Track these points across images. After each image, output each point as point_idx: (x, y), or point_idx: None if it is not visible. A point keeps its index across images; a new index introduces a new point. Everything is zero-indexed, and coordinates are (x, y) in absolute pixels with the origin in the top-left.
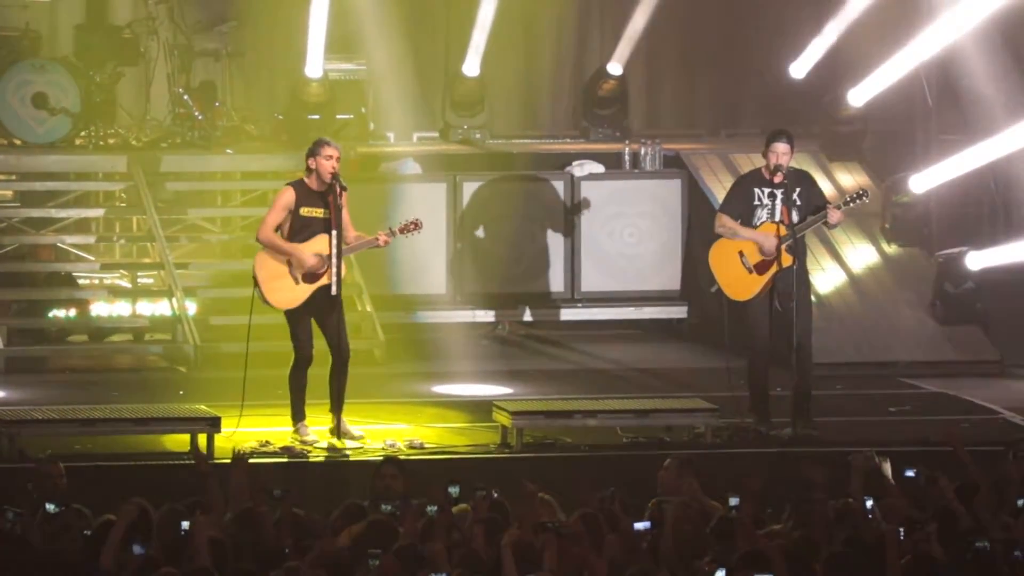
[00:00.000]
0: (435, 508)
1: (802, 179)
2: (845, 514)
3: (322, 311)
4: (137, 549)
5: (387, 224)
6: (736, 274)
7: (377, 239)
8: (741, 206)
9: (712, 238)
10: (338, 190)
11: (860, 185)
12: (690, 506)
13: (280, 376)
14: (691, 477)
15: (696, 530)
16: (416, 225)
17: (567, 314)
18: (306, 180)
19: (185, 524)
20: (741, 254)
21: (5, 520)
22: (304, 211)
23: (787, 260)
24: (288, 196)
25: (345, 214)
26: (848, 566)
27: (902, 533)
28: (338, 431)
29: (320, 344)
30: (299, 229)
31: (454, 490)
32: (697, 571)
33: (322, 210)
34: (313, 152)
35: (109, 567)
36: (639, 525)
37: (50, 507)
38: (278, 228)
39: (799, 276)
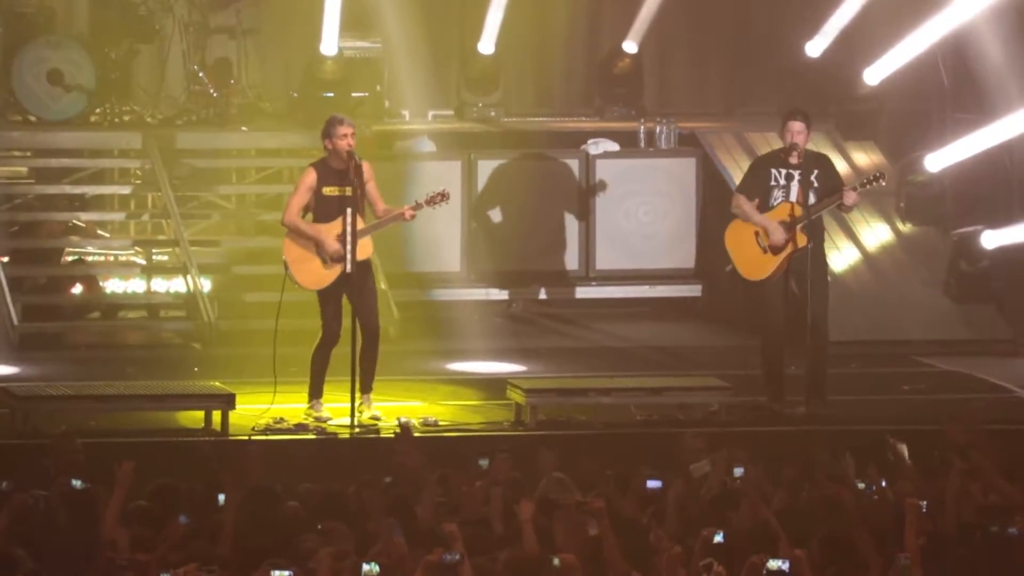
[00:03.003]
0: None
1: (820, 161)
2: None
3: (354, 289)
4: (182, 519)
5: (408, 200)
6: (751, 254)
7: (403, 213)
8: (758, 186)
9: (727, 217)
10: (353, 166)
11: (875, 164)
12: (692, 484)
13: (297, 354)
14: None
15: (699, 508)
16: (443, 196)
17: (581, 292)
18: (328, 159)
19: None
20: (757, 234)
21: (30, 499)
22: (326, 190)
23: (802, 240)
24: (311, 177)
25: (372, 188)
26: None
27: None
28: (353, 410)
29: (345, 323)
30: (323, 209)
31: (484, 462)
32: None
33: (343, 188)
34: (327, 134)
35: (113, 538)
36: (652, 483)
37: (76, 483)
38: (307, 211)
39: (815, 257)
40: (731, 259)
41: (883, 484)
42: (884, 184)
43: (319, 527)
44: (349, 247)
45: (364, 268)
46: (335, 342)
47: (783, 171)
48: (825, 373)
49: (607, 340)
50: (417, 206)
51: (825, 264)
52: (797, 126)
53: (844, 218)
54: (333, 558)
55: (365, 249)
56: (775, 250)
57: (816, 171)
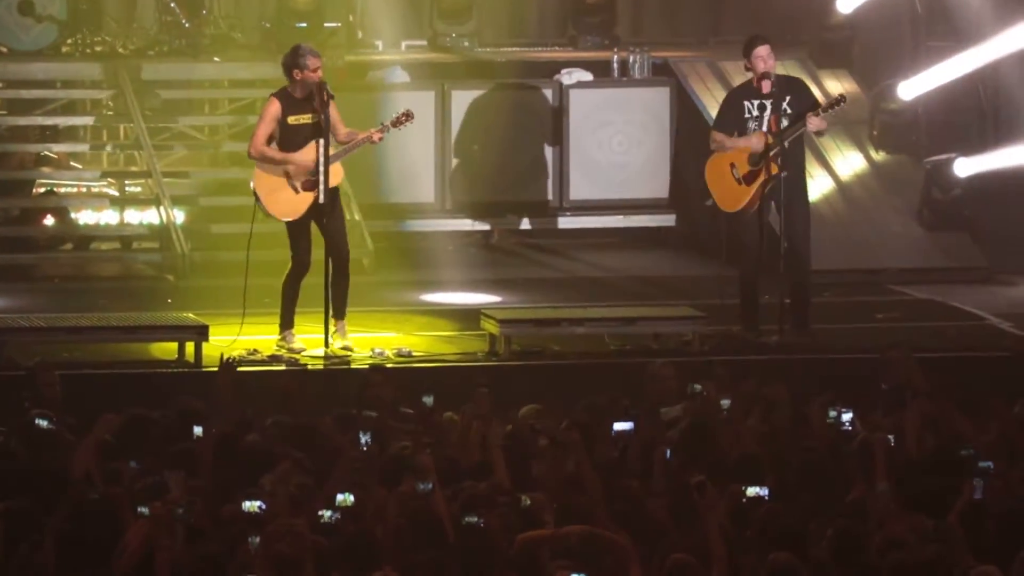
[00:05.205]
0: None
1: (793, 86)
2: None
3: (322, 217)
4: (132, 464)
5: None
6: (727, 186)
7: (371, 136)
8: (733, 121)
9: (702, 147)
10: (325, 96)
11: (848, 92)
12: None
13: (269, 285)
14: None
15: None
16: (408, 116)
17: (556, 223)
18: (289, 88)
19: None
20: (732, 166)
21: None
22: (292, 119)
23: (774, 169)
24: (275, 107)
25: (334, 113)
26: (819, 472)
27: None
28: (327, 337)
29: (316, 254)
30: (290, 138)
31: (428, 399)
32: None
33: (310, 116)
34: (298, 65)
35: (81, 477)
36: (620, 426)
37: (42, 423)
38: (270, 140)
39: (794, 184)
40: (710, 193)
41: (850, 416)
42: (844, 106)
43: (279, 460)
44: (322, 176)
45: (332, 195)
46: (306, 272)
47: (756, 102)
48: (808, 301)
49: (581, 270)
50: (383, 128)
51: (805, 191)
52: (764, 50)
53: (818, 147)
54: (292, 490)
55: (336, 175)
56: (748, 180)
57: (788, 97)
